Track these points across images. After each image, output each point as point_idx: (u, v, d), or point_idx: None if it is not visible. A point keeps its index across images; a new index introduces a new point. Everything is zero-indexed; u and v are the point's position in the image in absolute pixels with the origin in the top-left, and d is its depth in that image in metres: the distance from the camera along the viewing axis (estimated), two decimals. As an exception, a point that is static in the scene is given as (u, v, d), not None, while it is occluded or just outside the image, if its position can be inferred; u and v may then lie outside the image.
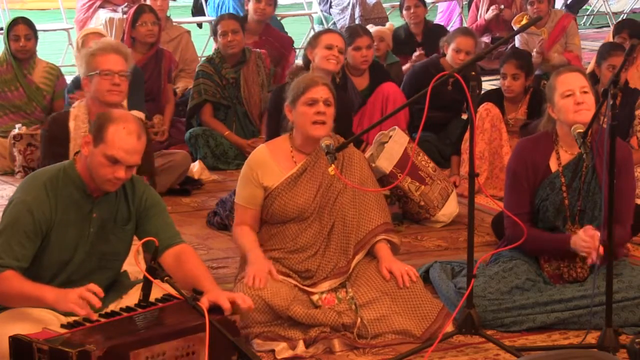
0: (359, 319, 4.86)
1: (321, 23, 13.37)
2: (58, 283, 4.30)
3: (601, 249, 4.76)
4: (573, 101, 5.09)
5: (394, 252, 5.13)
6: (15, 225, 4.23)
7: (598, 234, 4.85)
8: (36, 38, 8.25)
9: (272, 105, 6.52)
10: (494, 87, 7.66)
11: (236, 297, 4.22)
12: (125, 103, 7.31)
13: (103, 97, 5.48)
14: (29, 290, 4.17)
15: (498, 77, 7.63)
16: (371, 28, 8.69)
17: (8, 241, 4.21)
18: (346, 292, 4.97)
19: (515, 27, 10.32)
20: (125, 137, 4.28)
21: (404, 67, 9.42)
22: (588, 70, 7.64)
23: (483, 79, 9.53)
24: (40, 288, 4.19)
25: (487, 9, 11.74)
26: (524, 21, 10.10)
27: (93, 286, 4.13)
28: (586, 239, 4.94)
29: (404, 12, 9.99)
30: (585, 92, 5.11)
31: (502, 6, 11.60)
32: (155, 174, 5.92)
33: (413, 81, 8.09)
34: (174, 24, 10.12)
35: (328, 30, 7.01)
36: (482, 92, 7.73)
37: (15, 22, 8.26)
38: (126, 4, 10.54)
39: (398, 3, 14.04)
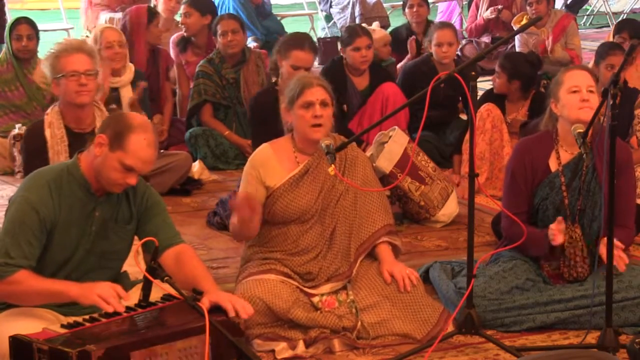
0: (359, 322, 4.86)
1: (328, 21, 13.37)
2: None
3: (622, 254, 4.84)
4: (579, 97, 5.09)
5: (395, 255, 5.12)
6: (21, 225, 4.23)
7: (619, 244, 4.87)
8: (38, 38, 8.27)
9: (253, 114, 6.45)
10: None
11: (237, 306, 4.18)
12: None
13: (72, 99, 5.37)
14: (49, 287, 4.19)
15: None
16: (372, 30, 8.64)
17: (16, 240, 4.21)
18: (347, 295, 4.96)
19: (515, 27, 10.32)
20: (146, 148, 4.27)
21: (398, 66, 9.42)
22: (587, 71, 7.63)
23: (483, 79, 9.52)
24: (61, 283, 4.22)
25: (487, 9, 11.73)
26: (524, 21, 10.10)
27: (118, 288, 4.14)
28: (558, 226, 4.96)
29: (407, 10, 9.96)
30: (591, 92, 5.11)
31: (500, 6, 11.59)
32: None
33: (406, 80, 8.10)
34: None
35: (297, 46, 6.38)
36: (483, 91, 7.73)
37: (17, 21, 8.28)
38: (122, 6, 10.54)
39: (398, 3, 14.13)
